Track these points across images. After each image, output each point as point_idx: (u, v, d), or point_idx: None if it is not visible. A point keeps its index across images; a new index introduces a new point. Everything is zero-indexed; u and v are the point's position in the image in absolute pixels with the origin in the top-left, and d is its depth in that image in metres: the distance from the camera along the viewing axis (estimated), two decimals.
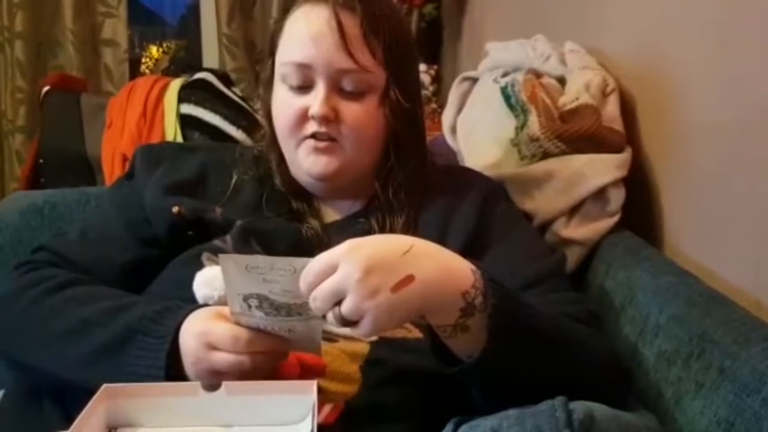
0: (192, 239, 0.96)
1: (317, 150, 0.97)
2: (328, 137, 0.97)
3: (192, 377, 0.79)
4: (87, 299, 0.90)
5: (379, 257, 0.70)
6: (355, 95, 0.97)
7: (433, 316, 0.75)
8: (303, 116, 0.97)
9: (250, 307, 0.76)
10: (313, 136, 0.97)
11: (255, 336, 0.76)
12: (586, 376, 0.82)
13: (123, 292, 0.92)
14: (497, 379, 0.77)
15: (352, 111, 0.97)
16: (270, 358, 0.78)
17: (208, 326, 0.78)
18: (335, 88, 0.96)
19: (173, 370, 0.79)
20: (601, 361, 0.86)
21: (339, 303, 0.70)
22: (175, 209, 0.97)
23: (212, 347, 0.77)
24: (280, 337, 0.78)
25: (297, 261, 0.72)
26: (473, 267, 0.76)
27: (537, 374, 0.78)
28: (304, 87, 0.97)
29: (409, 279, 0.70)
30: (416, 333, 0.89)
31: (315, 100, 0.95)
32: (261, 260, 0.73)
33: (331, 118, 0.96)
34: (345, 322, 0.70)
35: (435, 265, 0.73)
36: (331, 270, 0.70)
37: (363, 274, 0.68)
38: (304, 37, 0.95)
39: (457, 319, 0.74)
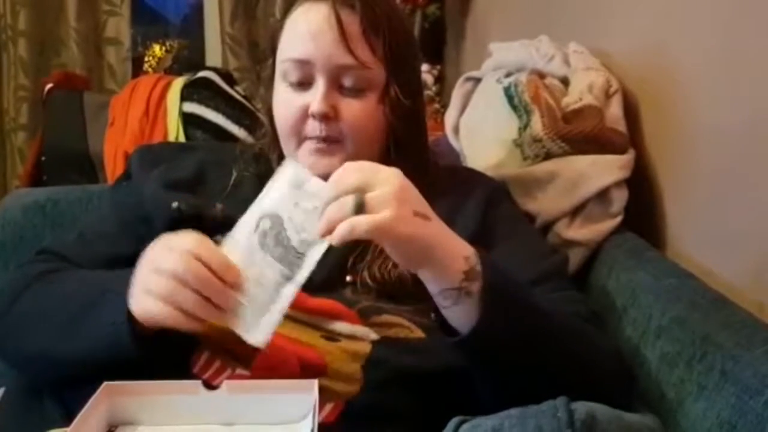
0: None
1: (318, 151, 0.97)
2: (328, 139, 0.96)
3: (135, 279, 0.79)
4: (69, 278, 0.92)
5: (416, 192, 0.78)
6: (355, 93, 0.97)
7: (439, 272, 0.77)
8: (303, 114, 0.97)
9: (257, 227, 0.77)
10: (314, 138, 0.97)
11: (216, 247, 0.78)
12: (587, 371, 0.82)
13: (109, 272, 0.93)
14: (495, 356, 0.78)
15: (351, 108, 0.96)
16: (206, 284, 0.75)
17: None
18: (335, 85, 0.96)
19: (137, 325, 0.79)
20: (604, 358, 0.86)
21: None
22: (174, 204, 0.97)
23: (170, 240, 0.79)
24: (233, 276, 0.77)
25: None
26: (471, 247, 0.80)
27: (535, 359, 0.79)
28: (304, 84, 0.97)
29: (427, 217, 0.77)
30: (418, 333, 0.89)
31: (314, 98, 0.95)
32: (314, 183, 0.78)
33: (330, 115, 0.96)
34: (360, 207, 0.73)
35: (444, 228, 0.80)
36: (374, 170, 0.76)
37: (402, 187, 0.75)
38: (304, 34, 0.96)
39: (461, 281, 0.77)
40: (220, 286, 0.76)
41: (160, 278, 0.76)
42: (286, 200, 0.75)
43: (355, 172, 0.76)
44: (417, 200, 0.77)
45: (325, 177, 0.98)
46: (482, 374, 0.81)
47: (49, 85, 2.14)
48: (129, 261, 0.98)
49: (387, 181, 0.75)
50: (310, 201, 0.75)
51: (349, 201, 0.73)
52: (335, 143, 0.97)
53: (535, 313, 0.81)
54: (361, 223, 0.72)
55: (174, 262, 0.76)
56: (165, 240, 0.80)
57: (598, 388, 0.73)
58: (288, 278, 0.76)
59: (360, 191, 0.73)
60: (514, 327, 0.78)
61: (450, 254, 0.77)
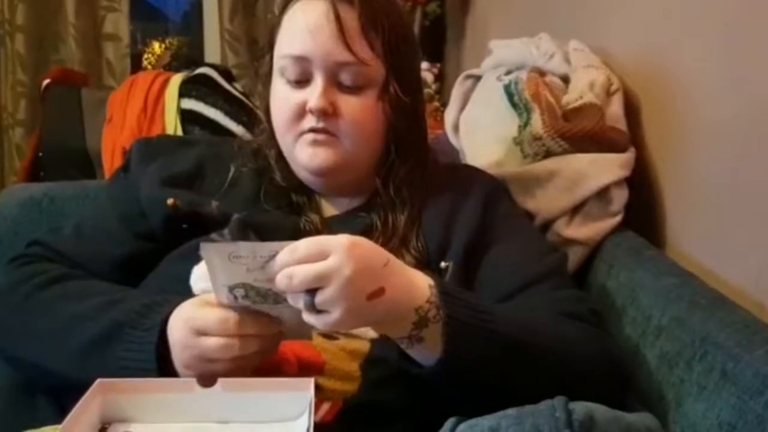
0: (187, 232, 0.95)
1: (315, 143, 0.97)
2: (326, 132, 0.96)
3: (180, 368, 0.78)
4: (78, 294, 0.89)
5: (369, 263, 0.72)
6: (354, 89, 0.96)
7: (387, 329, 0.78)
8: (301, 110, 0.96)
9: (236, 298, 0.75)
10: (312, 130, 0.96)
11: (244, 317, 0.76)
12: (570, 377, 0.81)
13: (116, 286, 0.92)
14: (466, 383, 0.78)
15: (350, 105, 0.96)
16: (261, 345, 0.77)
17: (196, 312, 0.78)
18: (333, 82, 0.96)
19: (165, 364, 0.79)
20: (590, 361, 0.84)
21: (310, 291, 0.70)
22: (169, 201, 0.96)
23: (201, 333, 0.76)
24: (271, 319, 0.77)
25: (279, 246, 0.72)
26: (431, 282, 0.78)
27: (511, 379, 0.78)
28: (302, 81, 0.96)
29: (381, 291, 0.72)
30: None
31: (312, 94, 0.95)
32: (243, 248, 0.72)
33: (329, 112, 0.95)
34: (312, 308, 0.71)
35: (401, 282, 0.75)
36: (321, 256, 0.70)
37: (354, 273, 0.70)
38: (302, 30, 0.95)
39: (411, 331, 0.76)
40: (277, 339, 0.79)
41: (223, 365, 0.76)
42: (236, 272, 0.73)
43: (304, 268, 0.70)
44: (371, 278, 0.71)
45: (323, 170, 0.98)
46: (455, 397, 0.80)
47: (47, 81, 2.13)
48: (129, 259, 0.98)
49: (337, 275, 0.69)
50: (253, 262, 0.72)
51: (300, 301, 0.71)
52: (333, 136, 0.96)
53: (502, 338, 0.78)
54: (314, 323, 0.72)
55: (231, 349, 0.75)
56: (189, 322, 0.78)
57: (585, 392, 0.72)
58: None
59: (312, 285, 0.70)
60: (479, 356, 0.77)
61: (403, 312, 0.75)
